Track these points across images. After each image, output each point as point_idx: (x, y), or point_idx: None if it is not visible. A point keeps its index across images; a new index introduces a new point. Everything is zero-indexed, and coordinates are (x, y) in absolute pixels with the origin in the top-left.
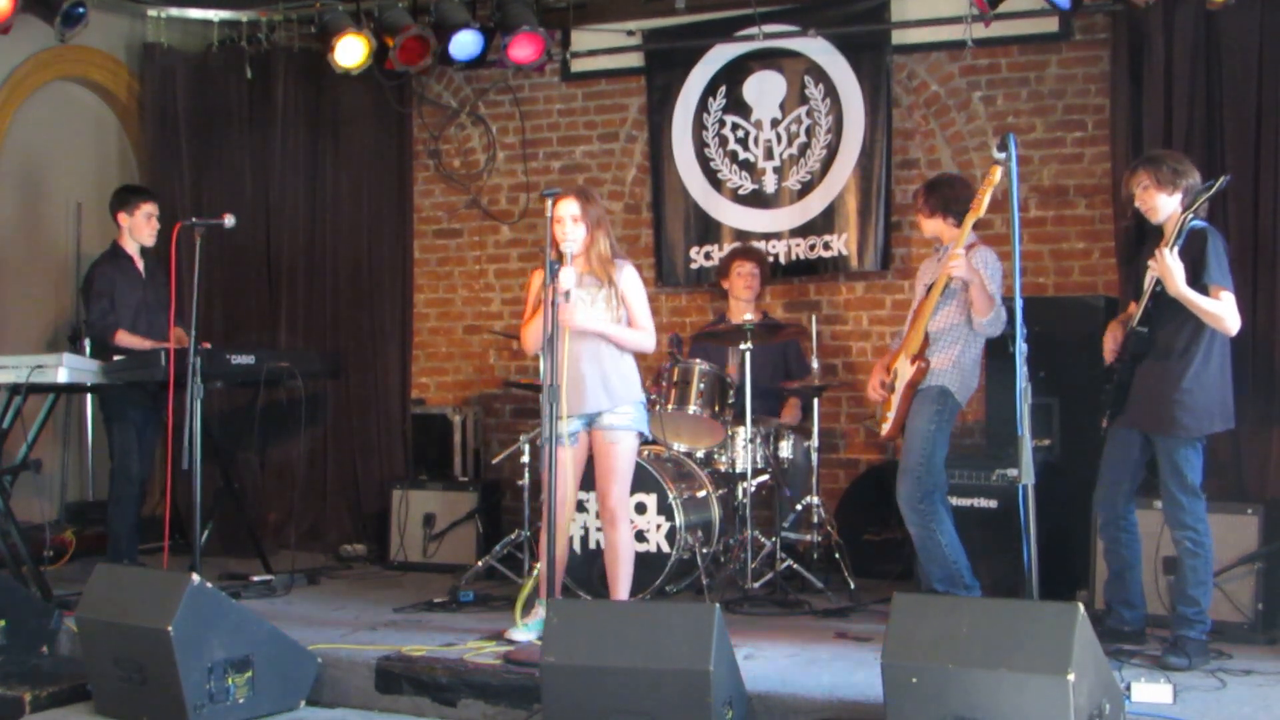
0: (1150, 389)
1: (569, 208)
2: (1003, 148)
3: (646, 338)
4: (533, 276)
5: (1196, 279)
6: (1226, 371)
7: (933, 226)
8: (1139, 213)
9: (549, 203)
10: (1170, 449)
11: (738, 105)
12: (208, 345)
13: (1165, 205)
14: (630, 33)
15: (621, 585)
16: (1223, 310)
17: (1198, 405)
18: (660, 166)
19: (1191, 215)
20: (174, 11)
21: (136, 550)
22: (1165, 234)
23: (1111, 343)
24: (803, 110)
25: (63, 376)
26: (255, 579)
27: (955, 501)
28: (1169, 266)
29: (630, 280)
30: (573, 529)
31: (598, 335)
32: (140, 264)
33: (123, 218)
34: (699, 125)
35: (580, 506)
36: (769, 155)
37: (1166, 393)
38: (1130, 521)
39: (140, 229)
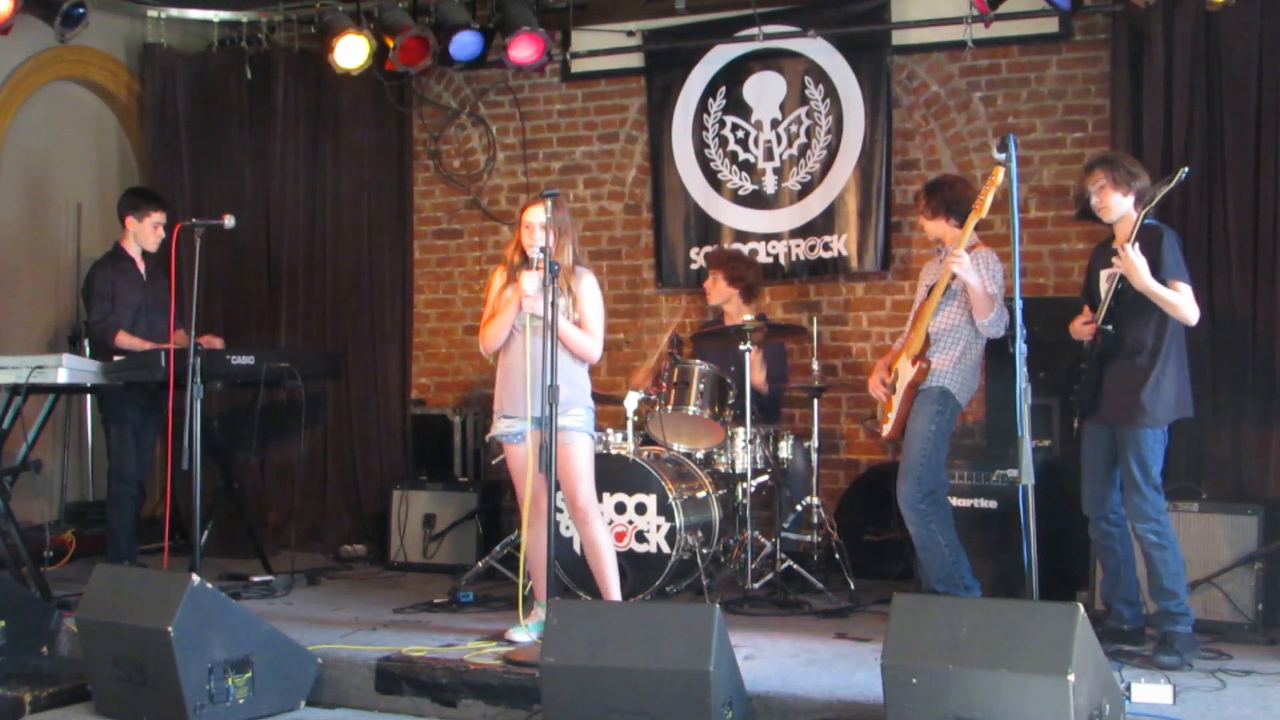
0: (1120, 385)
1: (537, 215)
2: (1003, 148)
3: (592, 343)
4: (492, 277)
5: (1154, 274)
6: (1184, 363)
7: (935, 228)
8: (1087, 209)
9: (546, 201)
10: (1138, 440)
11: (738, 106)
12: (219, 343)
13: (1119, 205)
14: (630, 33)
15: (609, 580)
16: (1181, 301)
17: (1164, 395)
18: (660, 167)
19: (1141, 214)
20: (174, 12)
21: (136, 550)
22: (1118, 235)
23: (1085, 332)
24: (803, 111)
25: (62, 377)
26: (255, 579)
27: (955, 502)
28: (1133, 262)
29: (587, 287)
30: (572, 529)
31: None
32: (141, 266)
33: (130, 222)
34: (699, 126)
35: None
36: (769, 156)
37: (1137, 386)
38: (1119, 515)
39: (146, 236)
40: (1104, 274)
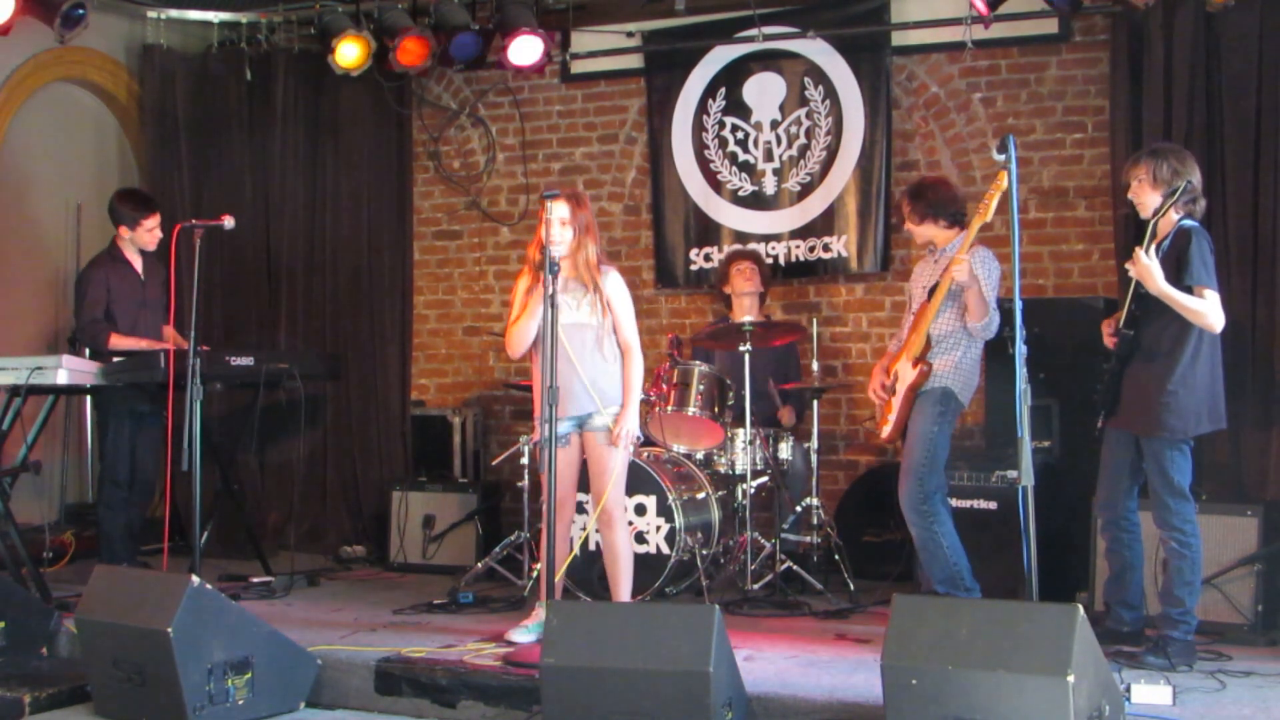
0: (1137, 391)
1: (558, 211)
2: (1002, 149)
3: (638, 366)
4: (518, 279)
5: (1180, 278)
6: (1217, 371)
7: (924, 232)
8: (1133, 203)
9: (547, 204)
10: (1157, 451)
11: (737, 107)
12: (205, 348)
13: (1154, 203)
14: (630, 34)
15: (622, 587)
16: (1204, 308)
17: (1184, 406)
18: (660, 168)
19: (1182, 216)
20: (173, 13)
21: (131, 552)
22: (1160, 232)
23: (1109, 329)
24: (802, 112)
25: (62, 378)
26: (255, 580)
27: (955, 503)
28: (1146, 266)
29: (617, 287)
30: (573, 530)
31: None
32: (139, 265)
33: (124, 231)
34: (699, 127)
35: (580, 508)
36: (769, 157)
37: (1152, 395)
38: (1132, 522)
39: (144, 240)
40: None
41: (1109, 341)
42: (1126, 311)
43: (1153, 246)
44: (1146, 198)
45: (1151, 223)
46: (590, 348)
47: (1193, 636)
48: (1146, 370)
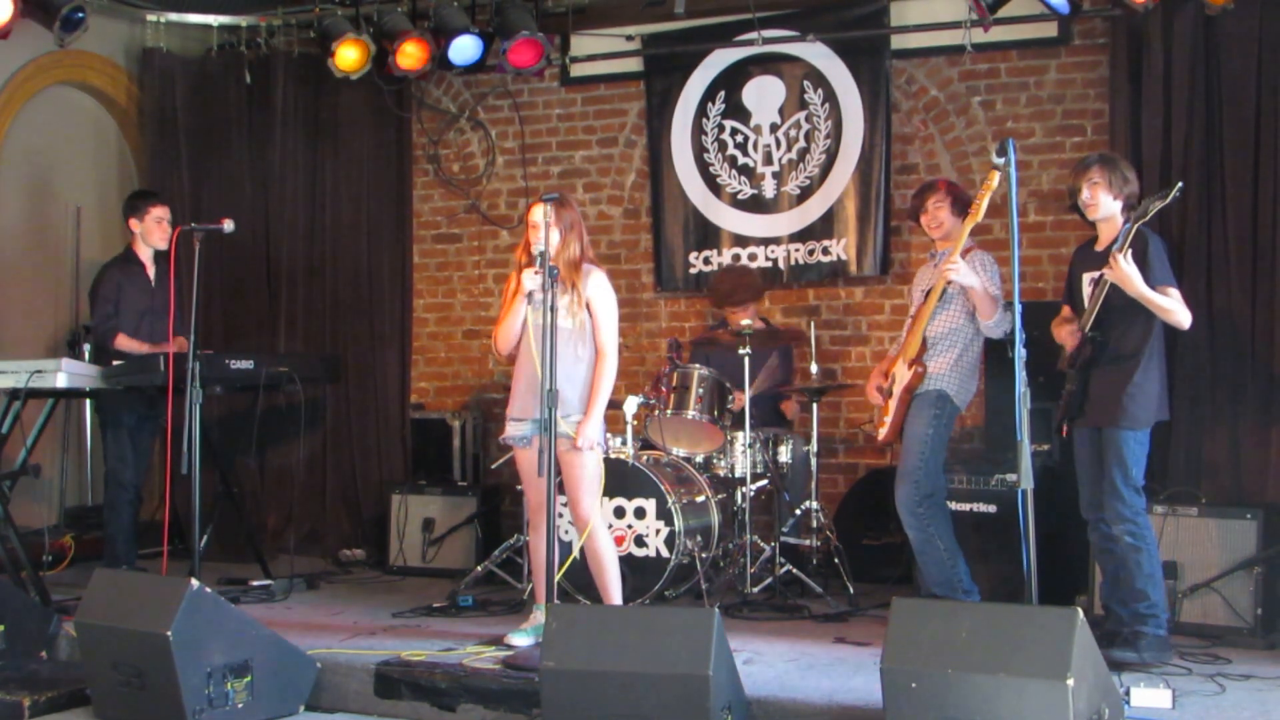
0: (1105, 389)
1: (537, 214)
2: (1001, 152)
3: (609, 370)
4: (508, 283)
5: (1144, 279)
6: (1164, 366)
7: (951, 223)
8: (1075, 205)
9: (544, 205)
10: (1119, 441)
11: (737, 110)
12: (209, 351)
13: (1107, 207)
14: (629, 37)
15: (611, 591)
16: (1175, 306)
17: (1147, 397)
18: (659, 171)
19: (1126, 220)
20: (173, 16)
21: (135, 555)
22: (1101, 236)
23: (1070, 340)
24: (802, 115)
25: (61, 381)
26: (254, 584)
27: (954, 506)
28: (1125, 271)
29: (598, 288)
30: (572, 533)
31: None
32: (151, 270)
33: (133, 223)
34: (698, 130)
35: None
36: (768, 160)
37: (1119, 389)
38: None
39: (151, 233)
40: (1087, 277)
41: (1073, 342)
42: (1094, 317)
43: (1129, 250)
44: (1099, 199)
45: (1136, 226)
46: (561, 350)
47: (1165, 632)
48: (1115, 369)
